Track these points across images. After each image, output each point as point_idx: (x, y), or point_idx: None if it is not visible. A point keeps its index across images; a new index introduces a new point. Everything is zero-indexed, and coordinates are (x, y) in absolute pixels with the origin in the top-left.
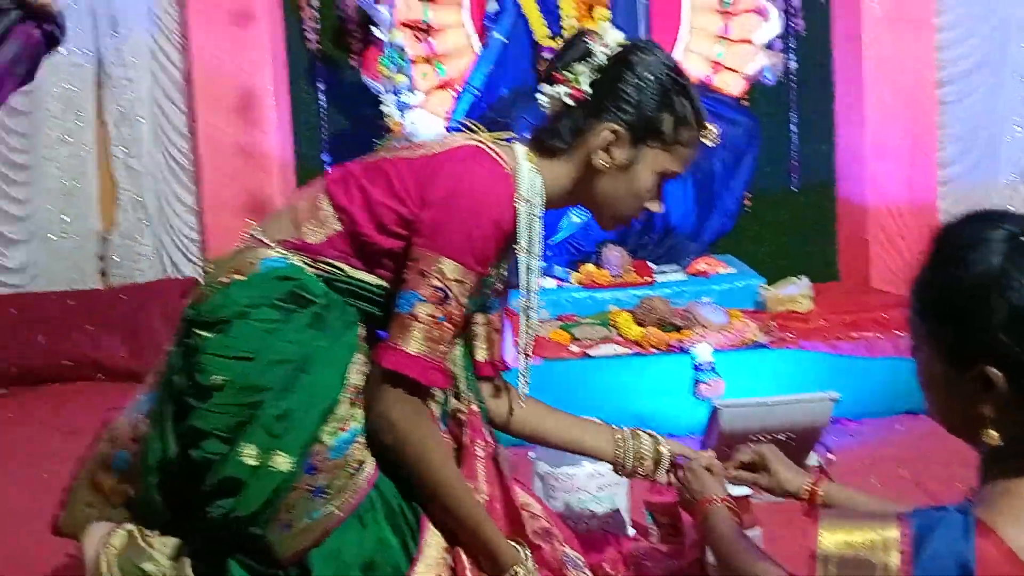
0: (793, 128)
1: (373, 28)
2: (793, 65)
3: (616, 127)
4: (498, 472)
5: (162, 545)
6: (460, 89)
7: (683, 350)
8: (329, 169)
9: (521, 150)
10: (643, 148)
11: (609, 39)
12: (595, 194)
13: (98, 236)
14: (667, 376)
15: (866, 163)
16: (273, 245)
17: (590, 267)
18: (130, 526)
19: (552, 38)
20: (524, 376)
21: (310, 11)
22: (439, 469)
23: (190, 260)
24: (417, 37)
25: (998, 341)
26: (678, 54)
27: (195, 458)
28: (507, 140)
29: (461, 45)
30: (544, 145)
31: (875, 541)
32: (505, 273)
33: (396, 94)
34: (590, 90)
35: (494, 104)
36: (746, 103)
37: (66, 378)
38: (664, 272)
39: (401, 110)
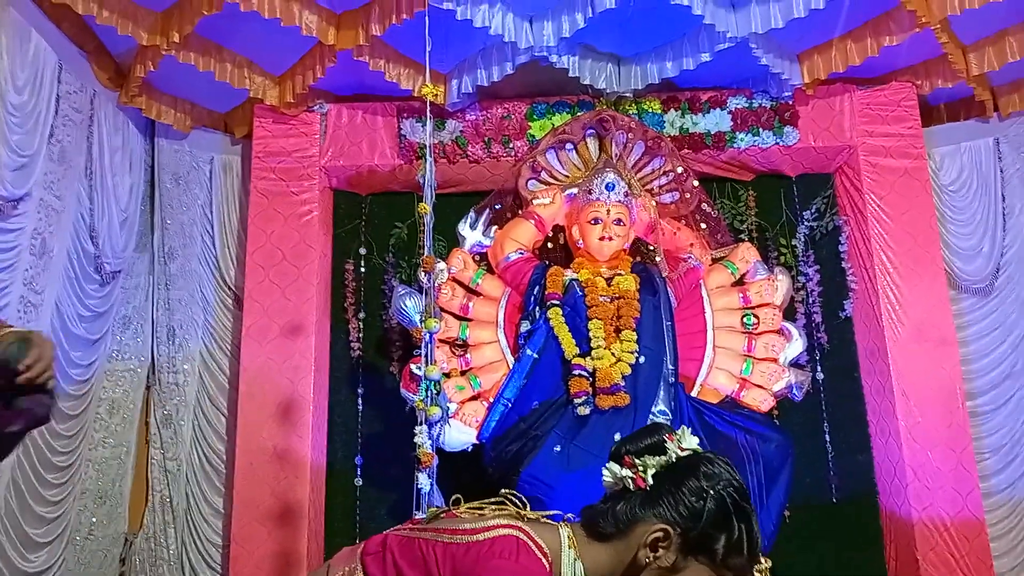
0: (827, 439)
1: (413, 367)
2: (821, 378)
3: (668, 528)
4: None
5: None
6: (492, 400)
7: None
8: (365, 544)
9: (564, 534)
10: (691, 558)
11: (686, 442)
12: None
13: (123, 538)
14: None
15: (906, 477)
16: None
17: None
18: None
19: (581, 356)
20: None
21: (356, 323)
22: None
23: (210, 566)
24: (454, 352)
25: None
26: (704, 371)
27: None
28: (553, 519)
29: (495, 360)
30: (593, 526)
31: None
32: None
33: (429, 426)
34: (652, 482)
35: (525, 416)
36: (777, 416)
37: None
38: None
39: (432, 440)
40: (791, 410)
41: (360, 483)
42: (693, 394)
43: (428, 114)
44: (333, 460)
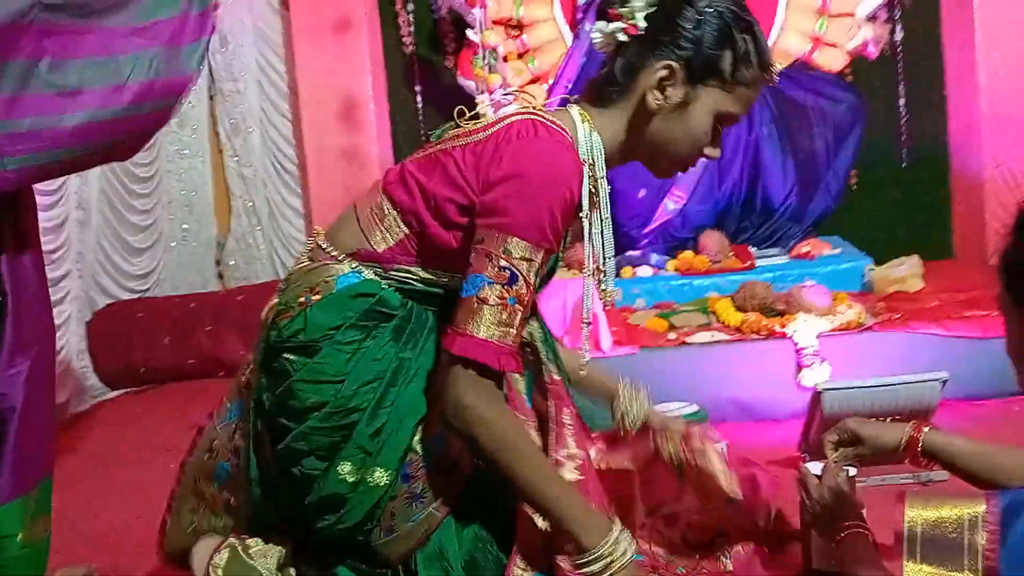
0: (901, 102)
1: (468, 32)
2: (899, 36)
3: (671, 63)
4: (587, 435)
5: (263, 556)
6: (552, 82)
7: (785, 336)
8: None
9: (575, 112)
10: (700, 87)
11: None
12: (649, 138)
13: (215, 242)
14: (768, 362)
15: (982, 135)
16: (344, 259)
17: (688, 254)
18: (232, 540)
19: None
20: (585, 342)
21: (405, 16)
22: (514, 450)
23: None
24: (509, 34)
25: None
26: (774, 33)
27: (296, 475)
28: (560, 105)
29: (552, 39)
30: (598, 94)
31: (962, 518)
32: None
33: (490, 94)
34: (645, 24)
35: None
36: (850, 78)
37: (190, 375)
38: (766, 256)
39: (494, 108)
40: (865, 70)
41: None
42: None
43: None
44: (398, 156)
